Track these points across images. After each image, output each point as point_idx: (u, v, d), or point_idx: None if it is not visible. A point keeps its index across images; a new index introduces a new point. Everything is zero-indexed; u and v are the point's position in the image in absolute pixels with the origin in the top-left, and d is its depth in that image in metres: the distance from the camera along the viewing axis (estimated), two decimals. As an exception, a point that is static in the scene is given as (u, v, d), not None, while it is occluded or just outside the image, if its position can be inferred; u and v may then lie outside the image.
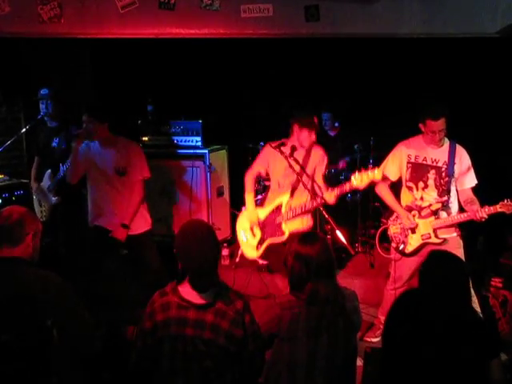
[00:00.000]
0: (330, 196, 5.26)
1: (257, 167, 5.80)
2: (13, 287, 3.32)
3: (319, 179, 5.59)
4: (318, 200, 5.36)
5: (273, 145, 5.58)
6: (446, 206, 5.17)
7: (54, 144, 6.43)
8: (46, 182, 6.45)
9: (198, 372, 3.31)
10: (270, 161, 5.71)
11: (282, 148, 5.52)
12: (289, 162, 5.42)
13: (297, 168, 5.44)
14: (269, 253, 5.87)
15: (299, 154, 5.54)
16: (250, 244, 5.80)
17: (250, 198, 5.78)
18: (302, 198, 5.56)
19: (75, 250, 6.29)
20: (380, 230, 5.62)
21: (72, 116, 6.47)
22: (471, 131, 6.64)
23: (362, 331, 5.74)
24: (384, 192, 5.45)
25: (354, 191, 7.45)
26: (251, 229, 5.79)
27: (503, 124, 7.27)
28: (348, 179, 5.80)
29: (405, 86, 7.74)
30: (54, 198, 6.39)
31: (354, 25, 5.73)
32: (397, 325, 3.51)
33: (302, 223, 5.63)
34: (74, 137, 5.69)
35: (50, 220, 6.43)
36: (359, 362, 4.52)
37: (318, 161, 5.59)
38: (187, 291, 3.38)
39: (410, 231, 5.31)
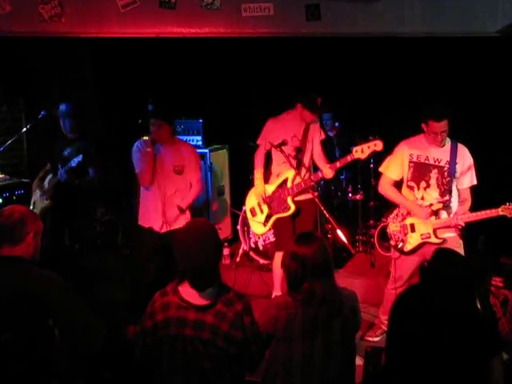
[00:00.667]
0: (328, 171, 5.57)
1: (262, 143, 6.01)
2: (13, 286, 3.31)
3: (318, 152, 5.90)
4: (319, 174, 5.63)
5: (274, 143, 5.77)
6: (446, 206, 5.18)
7: (66, 153, 6.42)
8: (45, 185, 6.47)
9: (196, 373, 3.31)
10: (271, 136, 5.90)
11: (282, 147, 5.71)
12: (290, 162, 5.65)
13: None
14: (276, 228, 6.12)
15: (299, 129, 5.85)
16: (257, 220, 5.99)
17: (258, 173, 5.99)
18: (307, 172, 5.79)
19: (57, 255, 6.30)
20: (379, 227, 5.61)
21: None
22: (472, 131, 6.63)
23: (363, 331, 5.73)
24: (389, 190, 5.42)
25: (355, 190, 7.54)
26: (259, 205, 5.97)
27: (504, 123, 7.26)
28: (347, 179, 5.89)
29: (405, 85, 7.73)
30: (45, 201, 6.39)
31: (354, 24, 5.73)
32: (400, 321, 3.51)
33: (304, 191, 5.75)
34: (153, 142, 5.75)
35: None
36: (360, 362, 4.53)
37: (316, 133, 5.92)
38: (187, 291, 3.36)
39: (409, 229, 5.31)
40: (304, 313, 3.52)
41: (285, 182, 5.81)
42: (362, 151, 5.36)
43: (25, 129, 6.99)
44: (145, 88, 7.94)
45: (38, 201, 6.46)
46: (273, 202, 5.90)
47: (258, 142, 6.04)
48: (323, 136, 6.06)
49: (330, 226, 7.12)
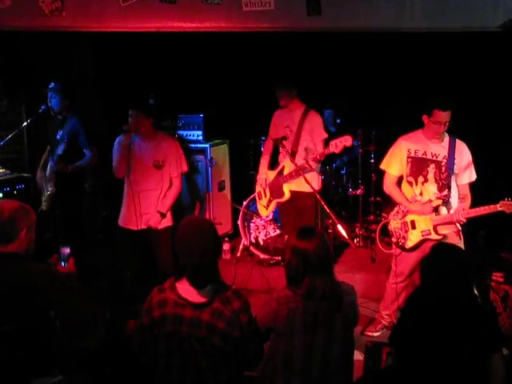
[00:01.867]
0: (312, 162, 5.90)
1: (270, 133, 6.57)
2: (9, 280, 3.31)
3: (317, 142, 6.17)
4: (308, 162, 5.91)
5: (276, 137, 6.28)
6: (446, 202, 5.17)
7: (57, 136, 6.44)
8: (47, 172, 6.49)
9: (193, 370, 3.31)
10: (273, 128, 6.50)
11: (283, 142, 6.08)
12: (290, 158, 6.00)
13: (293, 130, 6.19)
14: (280, 212, 6.75)
15: (294, 118, 6.22)
16: (262, 203, 6.49)
17: (263, 161, 6.53)
18: (300, 160, 6.03)
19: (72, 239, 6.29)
20: (380, 224, 5.63)
21: (75, 110, 6.52)
22: (472, 126, 6.63)
23: (363, 325, 5.75)
24: (392, 190, 5.42)
25: (356, 185, 7.55)
26: (263, 189, 6.43)
27: (504, 119, 7.25)
28: (348, 174, 6.00)
29: (406, 80, 7.72)
30: (50, 188, 6.40)
31: (355, 19, 5.71)
32: (409, 320, 3.53)
33: (302, 183, 5.88)
34: (124, 132, 5.71)
35: (49, 210, 6.42)
36: (360, 357, 4.54)
37: (314, 124, 6.18)
38: (185, 288, 3.37)
39: (410, 226, 5.30)
40: (305, 307, 3.52)
41: (282, 169, 6.20)
42: (336, 146, 5.63)
43: (25, 123, 6.98)
44: (146, 83, 7.92)
45: (45, 189, 6.48)
46: (273, 187, 6.30)
47: (269, 131, 6.56)
48: (324, 135, 6.21)
49: (330, 220, 7.12)
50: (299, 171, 5.83)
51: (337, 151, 5.68)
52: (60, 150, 6.32)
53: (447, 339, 3.29)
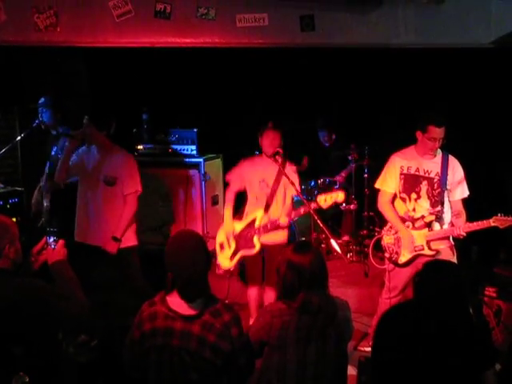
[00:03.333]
0: (284, 219, 5.51)
1: (233, 185, 5.94)
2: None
3: (288, 198, 5.76)
4: (277, 220, 5.56)
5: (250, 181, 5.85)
6: (439, 218, 5.18)
7: (52, 152, 6.44)
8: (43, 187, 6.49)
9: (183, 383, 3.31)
10: (246, 176, 5.88)
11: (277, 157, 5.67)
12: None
13: (270, 184, 5.71)
14: (246, 265, 6.12)
15: (272, 171, 5.72)
16: (225, 255, 5.92)
17: (227, 211, 5.92)
18: (276, 213, 5.67)
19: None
20: (374, 239, 5.64)
21: (70, 124, 6.52)
22: (465, 141, 6.67)
23: (356, 341, 5.74)
24: (386, 209, 5.41)
25: (349, 200, 7.56)
26: (227, 240, 5.89)
27: (497, 134, 7.29)
28: (342, 189, 5.86)
29: (399, 95, 7.77)
30: (46, 204, 6.40)
31: (348, 35, 5.76)
32: (385, 338, 3.51)
33: (276, 235, 5.73)
34: (68, 136, 5.65)
35: (46, 224, 6.41)
36: (353, 372, 4.53)
37: (291, 176, 5.64)
38: (175, 301, 3.36)
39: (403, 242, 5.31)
40: (298, 321, 3.52)
41: (253, 221, 5.76)
42: (325, 200, 5.29)
43: (19, 137, 6.98)
44: (140, 97, 7.95)
45: (43, 203, 6.50)
46: (240, 239, 5.85)
47: (227, 178, 6.02)
48: (297, 181, 5.77)
49: (323, 235, 7.13)
50: (276, 225, 5.60)
51: (324, 207, 5.34)
52: (46, 168, 6.32)
53: (439, 355, 3.28)
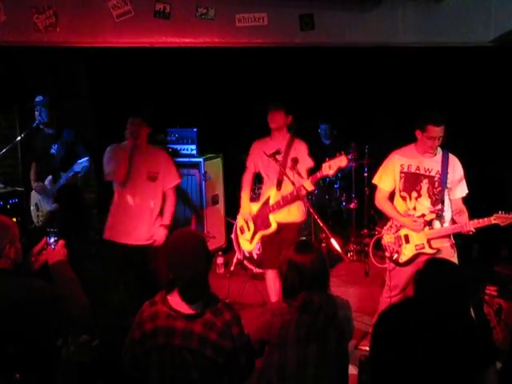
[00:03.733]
0: (308, 183, 5.48)
1: (248, 167, 6.15)
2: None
3: (302, 170, 5.77)
4: (302, 190, 5.54)
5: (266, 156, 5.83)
6: (439, 216, 5.18)
7: (52, 151, 6.43)
8: (48, 187, 6.46)
9: (185, 383, 3.31)
10: (257, 155, 6.04)
11: (276, 156, 5.75)
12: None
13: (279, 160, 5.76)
14: (263, 246, 6.22)
15: (278, 147, 5.83)
16: (245, 238, 6.11)
17: (244, 194, 6.12)
18: (288, 189, 5.71)
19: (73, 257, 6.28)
20: (374, 239, 5.62)
21: (68, 123, 6.52)
22: (465, 139, 6.67)
23: (357, 340, 5.75)
24: (384, 204, 5.42)
25: (349, 199, 7.57)
26: (246, 223, 6.06)
27: (497, 132, 7.30)
28: (341, 188, 5.86)
29: (399, 94, 7.77)
30: (53, 205, 6.38)
31: (348, 34, 5.77)
32: (384, 336, 3.51)
33: (289, 214, 5.82)
34: (122, 139, 5.73)
35: (45, 226, 6.40)
36: (354, 371, 4.53)
37: (299, 153, 5.81)
38: (176, 301, 3.37)
39: (404, 241, 5.31)
40: (299, 320, 3.52)
41: (268, 200, 5.88)
42: (330, 167, 5.30)
43: (19, 137, 6.97)
44: (139, 97, 7.94)
45: (44, 204, 6.46)
46: (257, 219, 5.98)
47: (247, 164, 6.17)
48: (310, 164, 5.86)
49: (324, 234, 7.13)
50: (287, 199, 5.69)
51: (330, 174, 5.38)
52: (78, 167, 6.30)
53: (440, 354, 3.28)
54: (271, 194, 5.87)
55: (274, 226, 5.83)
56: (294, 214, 5.85)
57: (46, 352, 3.39)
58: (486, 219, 4.87)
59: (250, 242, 6.06)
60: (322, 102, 8.16)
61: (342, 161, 5.25)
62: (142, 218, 5.76)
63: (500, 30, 5.55)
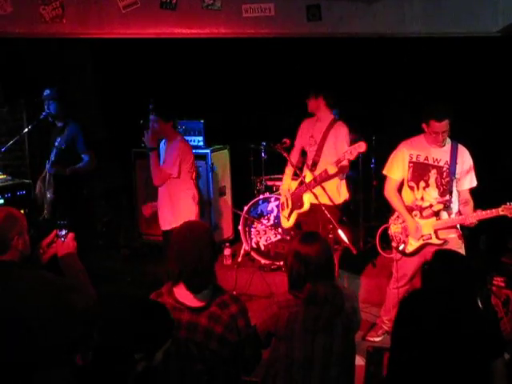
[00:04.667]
0: (331, 167, 5.57)
1: (295, 145, 6.27)
2: (3, 290, 3.34)
3: (338, 154, 5.74)
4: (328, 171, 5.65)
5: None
6: (447, 207, 5.17)
7: (56, 143, 6.45)
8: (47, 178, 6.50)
9: (190, 375, 3.31)
10: (301, 134, 6.21)
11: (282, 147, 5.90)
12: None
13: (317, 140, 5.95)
14: (302, 226, 6.27)
15: (321, 127, 5.96)
16: (284, 214, 6.29)
17: (287, 170, 6.29)
18: (322, 170, 5.79)
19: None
20: (381, 229, 5.60)
21: (74, 115, 6.53)
22: (473, 130, 6.64)
23: (364, 331, 5.75)
24: (392, 197, 5.40)
25: (357, 191, 7.55)
26: (286, 200, 6.23)
27: (505, 123, 7.27)
28: (349, 179, 5.88)
29: (407, 84, 7.75)
30: (49, 195, 6.42)
31: (355, 24, 5.74)
32: (403, 325, 3.51)
33: (324, 195, 5.83)
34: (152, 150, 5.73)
35: (50, 218, 6.43)
36: (361, 362, 4.53)
37: (337, 136, 5.89)
38: (182, 293, 3.37)
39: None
40: (306, 311, 3.51)
41: (303, 179, 5.95)
42: (350, 153, 5.43)
43: (26, 129, 6.98)
44: (146, 88, 7.94)
45: (46, 194, 6.50)
46: (294, 198, 6.12)
47: (294, 141, 6.27)
48: (345, 148, 5.74)
49: (331, 226, 7.12)
50: (318, 179, 5.74)
51: (351, 158, 5.51)
52: (52, 155, 6.35)
53: (448, 345, 3.29)
54: (306, 173, 5.98)
55: (306, 206, 5.96)
56: (330, 195, 5.87)
57: (55, 345, 3.40)
58: (493, 210, 4.86)
59: (288, 220, 6.21)
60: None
61: (361, 147, 5.36)
62: (171, 207, 5.79)
63: (507, 19, 5.51)
